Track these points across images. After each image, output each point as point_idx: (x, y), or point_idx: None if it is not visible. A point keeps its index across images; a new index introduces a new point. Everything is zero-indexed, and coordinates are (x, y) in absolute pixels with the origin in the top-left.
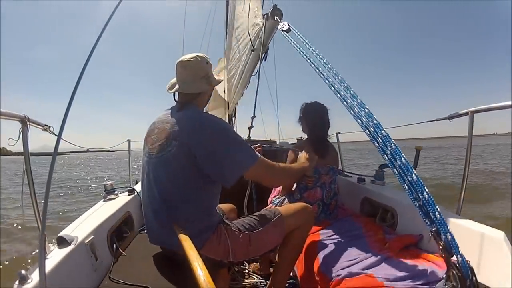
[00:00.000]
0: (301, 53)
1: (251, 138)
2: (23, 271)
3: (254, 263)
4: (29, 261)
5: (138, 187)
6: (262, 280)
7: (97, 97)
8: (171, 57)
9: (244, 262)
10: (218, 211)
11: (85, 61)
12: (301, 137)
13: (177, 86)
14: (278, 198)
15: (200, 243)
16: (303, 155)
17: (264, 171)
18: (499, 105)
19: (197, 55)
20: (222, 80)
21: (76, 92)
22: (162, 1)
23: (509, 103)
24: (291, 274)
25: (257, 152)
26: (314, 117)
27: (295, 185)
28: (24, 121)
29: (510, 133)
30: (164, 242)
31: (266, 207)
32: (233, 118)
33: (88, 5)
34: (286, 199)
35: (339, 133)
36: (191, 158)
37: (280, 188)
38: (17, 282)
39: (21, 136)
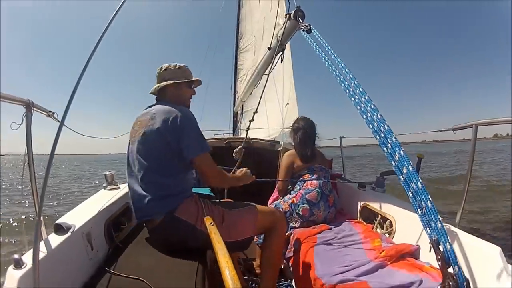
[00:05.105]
0: (320, 54)
1: (251, 139)
2: (16, 256)
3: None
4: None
5: None
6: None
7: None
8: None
9: (240, 258)
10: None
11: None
12: None
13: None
14: (281, 200)
15: (175, 203)
16: (244, 170)
17: (205, 165)
18: (503, 119)
19: (159, 68)
20: (172, 82)
21: (81, 80)
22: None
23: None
24: (291, 276)
25: (206, 147)
26: (299, 130)
27: (290, 186)
28: (29, 106)
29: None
30: (146, 214)
31: None
32: (241, 116)
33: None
34: (286, 198)
35: (343, 137)
36: (164, 136)
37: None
38: (12, 266)
39: (24, 120)
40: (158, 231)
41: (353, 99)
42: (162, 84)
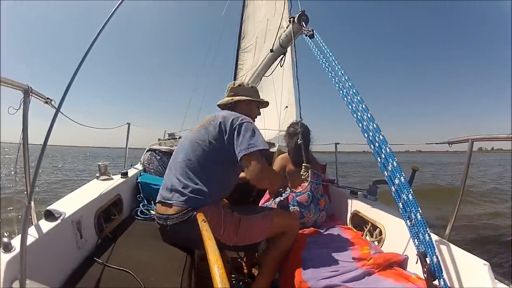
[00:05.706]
0: (321, 60)
1: None
2: (5, 239)
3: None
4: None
5: (131, 171)
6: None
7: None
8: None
9: (228, 257)
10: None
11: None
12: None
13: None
14: (272, 201)
15: (198, 204)
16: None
17: (255, 161)
18: (500, 136)
19: (232, 83)
20: (247, 98)
21: (80, 68)
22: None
23: (509, 135)
24: (277, 277)
25: (262, 143)
26: (294, 135)
27: (281, 188)
28: (27, 92)
29: (499, 150)
30: (169, 198)
31: None
32: None
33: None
34: (276, 200)
35: (338, 143)
36: (221, 133)
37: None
38: (0, 250)
39: (22, 106)
40: (169, 219)
41: (350, 107)
42: (237, 98)
